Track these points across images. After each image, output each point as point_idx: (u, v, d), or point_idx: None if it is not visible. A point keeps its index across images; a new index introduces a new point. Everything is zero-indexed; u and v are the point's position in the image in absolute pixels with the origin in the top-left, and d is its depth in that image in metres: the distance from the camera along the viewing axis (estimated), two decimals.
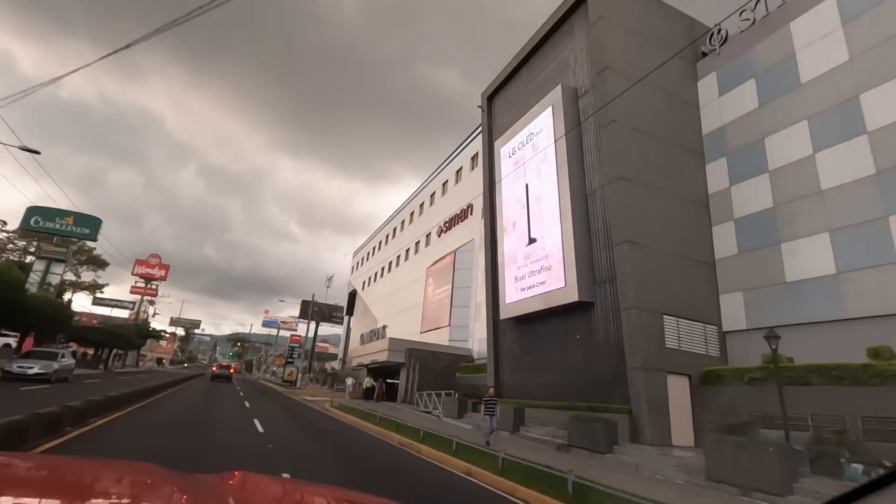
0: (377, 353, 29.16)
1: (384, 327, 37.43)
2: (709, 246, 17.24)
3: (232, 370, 53.50)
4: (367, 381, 27.17)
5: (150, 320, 60.12)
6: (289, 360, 49.57)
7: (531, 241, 18.81)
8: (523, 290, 18.82)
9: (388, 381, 31.33)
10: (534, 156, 19.30)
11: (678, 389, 14.32)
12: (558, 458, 11.48)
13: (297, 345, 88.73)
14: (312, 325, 69.48)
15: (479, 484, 8.66)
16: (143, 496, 1.50)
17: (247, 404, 19.39)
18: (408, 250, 46.68)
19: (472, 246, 32.82)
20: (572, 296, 16.40)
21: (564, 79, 19.88)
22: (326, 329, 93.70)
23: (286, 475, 6.77)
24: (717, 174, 17.77)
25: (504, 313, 20.37)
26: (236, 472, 1.98)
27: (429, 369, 26.98)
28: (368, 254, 62.68)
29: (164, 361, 71.23)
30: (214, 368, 52.37)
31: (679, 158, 17.79)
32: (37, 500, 1.24)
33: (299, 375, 42.21)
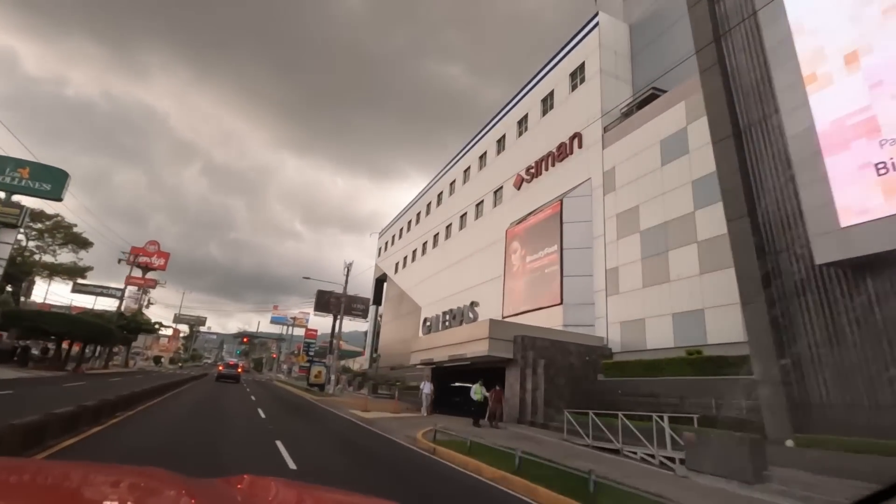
0: (467, 343, 18.92)
1: (473, 304, 27.10)
2: None
3: (240, 369, 43.87)
4: (477, 391, 16.51)
5: (143, 310, 50.40)
6: (313, 358, 39.50)
7: None
8: None
9: (467, 385, 21.06)
10: None
11: None
12: None
13: (313, 341, 79.22)
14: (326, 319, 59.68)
15: None
16: (151, 501, 1.50)
17: (281, 448, 9.04)
18: (463, 216, 36.50)
19: (587, 189, 22.58)
20: None
21: None
22: (345, 325, 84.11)
23: None
24: None
25: (837, 247, 9.72)
26: (245, 476, 1.99)
27: (557, 369, 16.78)
28: (402, 230, 52.64)
29: (162, 360, 61.51)
30: (221, 368, 43.19)
31: None
32: None
33: (331, 377, 32.03)
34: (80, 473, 1.70)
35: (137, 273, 75.31)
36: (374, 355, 55.43)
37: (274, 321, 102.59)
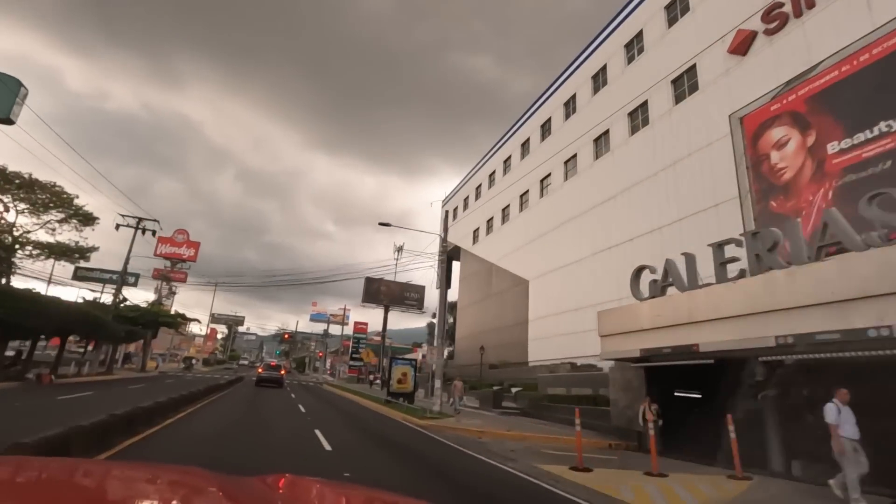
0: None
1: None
2: None
3: (283, 371, 33.32)
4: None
5: (163, 301, 40.62)
6: (399, 357, 28.20)
7: None
8: None
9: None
10: None
11: None
12: None
13: (363, 335, 68.72)
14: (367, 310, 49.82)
15: None
16: (190, 499, 1.50)
17: None
18: (601, 137, 24.48)
19: None
20: None
21: None
22: (374, 320, 72.55)
23: None
24: None
25: None
26: (283, 475, 1.96)
27: None
28: (479, 188, 40.93)
29: (194, 362, 52.02)
30: (260, 370, 33.27)
31: None
32: None
33: (436, 385, 19.90)
34: (119, 472, 1.79)
35: (167, 258, 66.57)
36: (450, 350, 44.03)
37: (313, 318, 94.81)
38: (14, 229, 35.04)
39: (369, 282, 68.69)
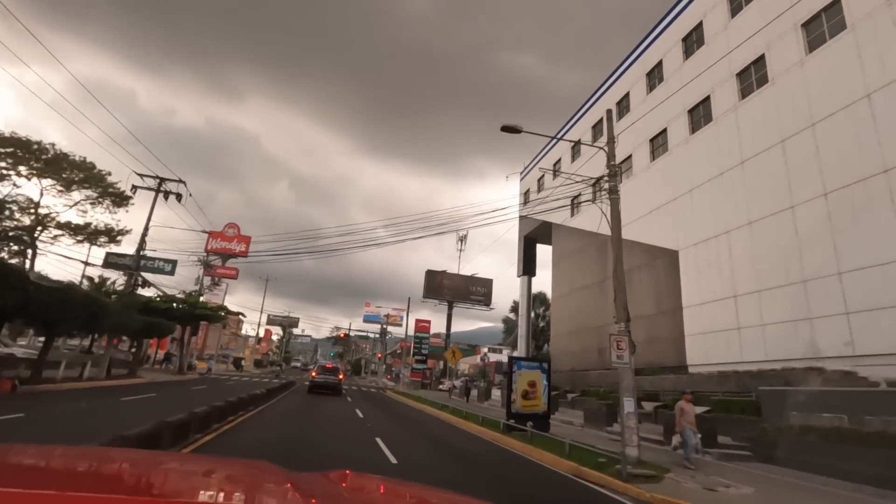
0: None
1: None
2: None
3: (340, 376, 26.26)
4: None
5: (202, 291, 35.03)
6: (521, 359, 20.52)
7: None
8: None
9: None
10: None
11: None
12: None
13: (426, 335, 61.61)
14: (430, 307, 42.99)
15: None
16: (257, 492, 1.54)
17: None
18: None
19: None
20: None
21: None
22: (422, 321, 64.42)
23: None
24: None
25: None
26: (347, 472, 1.97)
27: None
28: (573, 151, 32.46)
29: (243, 363, 46.69)
30: (314, 374, 26.36)
31: None
32: (153, 496, 1.27)
33: (629, 407, 11.86)
34: (190, 464, 1.95)
35: (217, 254, 62.66)
36: (547, 351, 35.93)
37: (367, 319, 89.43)
38: (38, 209, 30.47)
39: (431, 275, 61.58)
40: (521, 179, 42.00)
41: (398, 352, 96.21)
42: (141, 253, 22.78)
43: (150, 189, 21.80)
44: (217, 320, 33.16)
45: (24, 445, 1.66)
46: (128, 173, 21.28)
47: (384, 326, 62.22)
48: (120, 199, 33.23)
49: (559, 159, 36.85)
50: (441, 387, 32.30)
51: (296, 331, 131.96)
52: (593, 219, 28.46)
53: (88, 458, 1.60)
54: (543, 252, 38.56)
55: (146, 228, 21.70)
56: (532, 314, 42.18)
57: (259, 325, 62.75)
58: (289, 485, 1.50)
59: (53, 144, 29.67)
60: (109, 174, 32.69)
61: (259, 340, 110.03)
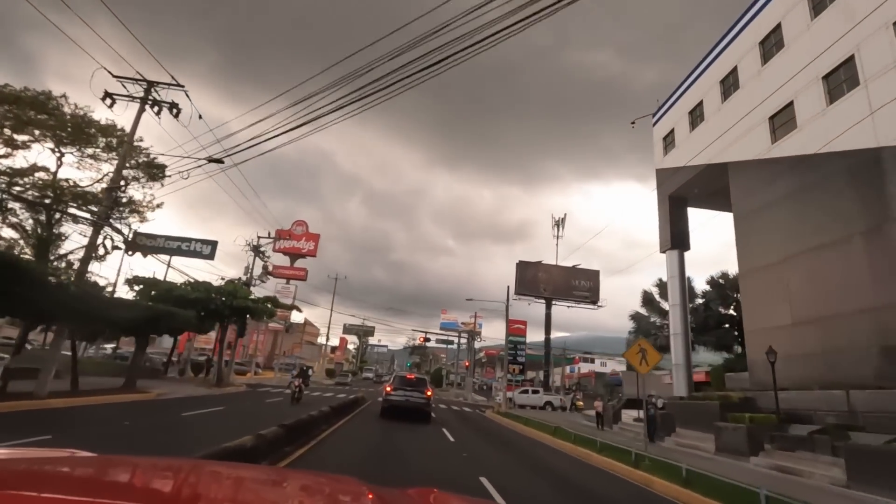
0: None
1: None
2: None
3: (428, 392, 16.63)
4: None
5: (251, 281, 27.68)
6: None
7: None
8: None
9: None
10: None
11: None
12: None
13: (522, 338, 51.37)
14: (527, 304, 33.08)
15: None
16: None
17: None
18: None
19: None
20: None
21: None
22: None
23: None
24: None
25: None
26: (433, 490, 1.92)
27: None
28: (732, 74, 21.08)
29: (311, 372, 39.44)
30: (389, 389, 16.29)
31: None
32: None
33: None
34: (276, 478, 1.98)
35: (285, 253, 57.36)
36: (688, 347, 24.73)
37: (444, 327, 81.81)
38: (58, 181, 24.70)
39: (523, 267, 51.32)
40: (655, 125, 30.95)
41: (482, 360, 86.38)
42: (115, 198, 15.09)
43: (131, 99, 14.06)
44: (262, 315, 25.63)
45: (120, 456, 1.68)
46: (100, 78, 13.69)
47: (472, 330, 52.43)
48: (155, 170, 26.96)
49: (699, 102, 25.73)
50: (588, 410, 21.73)
51: (372, 340, 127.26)
52: (824, 131, 17.15)
53: (173, 470, 1.61)
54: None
55: (124, 159, 13.93)
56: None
57: (329, 326, 56.01)
58: (376, 501, 1.53)
59: (76, 105, 23.81)
60: (139, 139, 26.54)
61: (333, 350, 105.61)
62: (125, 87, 13.72)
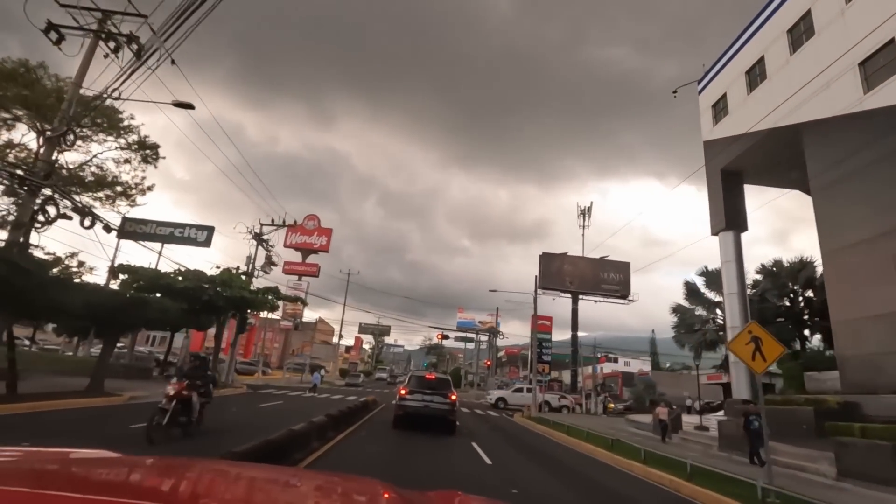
0: None
1: None
2: None
3: (452, 397, 13.46)
4: None
5: (252, 272, 24.97)
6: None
7: None
8: None
9: None
10: None
11: None
12: None
13: (547, 335, 48.00)
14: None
15: None
16: None
17: None
18: None
19: None
20: None
21: None
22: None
23: None
24: None
25: None
26: (457, 493, 1.89)
27: None
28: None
29: (322, 373, 36.77)
30: (403, 391, 13.00)
31: None
32: None
33: None
34: (295, 478, 1.93)
35: (297, 249, 55.42)
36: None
37: (461, 325, 79.26)
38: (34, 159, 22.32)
39: (547, 259, 47.81)
40: (700, 93, 27.40)
41: (502, 359, 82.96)
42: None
43: (80, 31, 11.28)
44: (263, 308, 22.88)
45: (144, 457, 1.64)
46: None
47: (493, 328, 49.22)
48: (148, 151, 24.54)
49: (759, 59, 22.22)
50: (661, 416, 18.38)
51: (388, 340, 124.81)
52: None
53: (199, 471, 1.60)
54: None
55: (70, 105, 11.16)
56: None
57: (341, 322, 53.42)
58: (394, 499, 1.52)
59: (56, 76, 21.47)
60: (140, 124, 24.23)
61: (348, 349, 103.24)
62: (74, 19, 10.94)
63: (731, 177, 24.32)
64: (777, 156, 21.59)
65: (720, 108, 25.21)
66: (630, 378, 78.11)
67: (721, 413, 27.21)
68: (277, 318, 58.55)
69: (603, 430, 16.08)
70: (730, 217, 23.59)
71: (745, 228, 23.90)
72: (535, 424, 19.75)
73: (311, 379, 29.16)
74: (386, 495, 1.57)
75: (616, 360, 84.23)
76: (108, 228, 12.52)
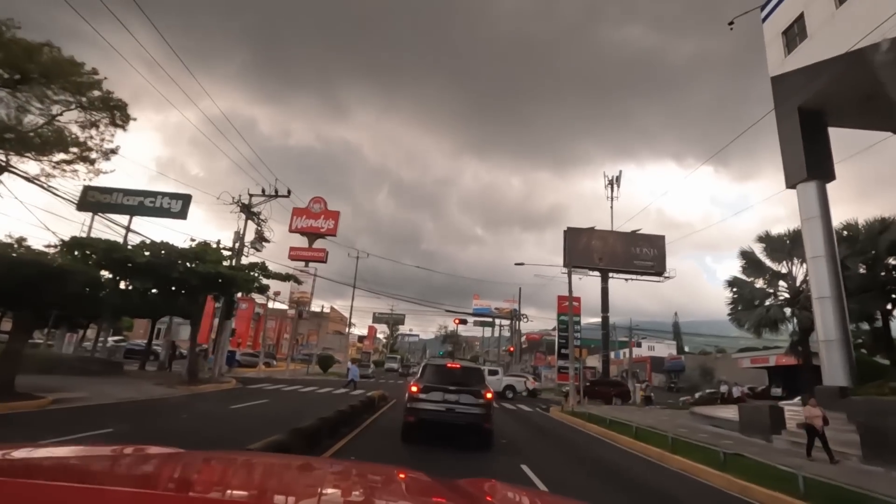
0: None
1: None
2: None
3: (488, 395, 9.54)
4: None
5: (239, 249, 21.36)
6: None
7: None
8: None
9: None
10: None
11: None
12: None
13: (577, 316, 43.98)
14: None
15: None
16: (400, 496, 1.54)
17: None
18: None
19: None
20: None
21: None
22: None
23: None
24: None
25: None
26: (493, 481, 1.92)
27: None
28: None
29: (371, 366, 33.34)
30: (415, 388, 8.87)
31: None
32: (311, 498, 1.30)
33: None
34: (329, 467, 2.03)
35: (303, 233, 51.94)
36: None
37: (476, 312, 76.38)
38: None
39: (574, 235, 43.32)
40: (765, 20, 22.81)
41: (523, 345, 79.30)
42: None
43: None
44: (249, 287, 19.10)
45: (193, 451, 1.71)
46: None
47: (515, 310, 45.28)
48: (115, 111, 20.91)
49: None
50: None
51: (403, 329, 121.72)
52: None
53: (247, 464, 1.61)
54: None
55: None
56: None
57: (350, 309, 50.02)
58: (434, 491, 1.55)
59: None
60: (105, 79, 20.49)
61: (361, 339, 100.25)
62: None
63: (812, 117, 19.83)
64: (870, 87, 17.10)
65: (796, 33, 20.65)
66: (660, 363, 73.72)
67: (795, 401, 23.07)
68: (285, 306, 55.69)
69: (684, 434, 12.17)
70: (812, 164, 19.17)
71: (832, 177, 19.48)
72: (583, 422, 15.96)
73: (348, 374, 24.42)
74: (418, 483, 1.67)
75: (639, 345, 79.85)
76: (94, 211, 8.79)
